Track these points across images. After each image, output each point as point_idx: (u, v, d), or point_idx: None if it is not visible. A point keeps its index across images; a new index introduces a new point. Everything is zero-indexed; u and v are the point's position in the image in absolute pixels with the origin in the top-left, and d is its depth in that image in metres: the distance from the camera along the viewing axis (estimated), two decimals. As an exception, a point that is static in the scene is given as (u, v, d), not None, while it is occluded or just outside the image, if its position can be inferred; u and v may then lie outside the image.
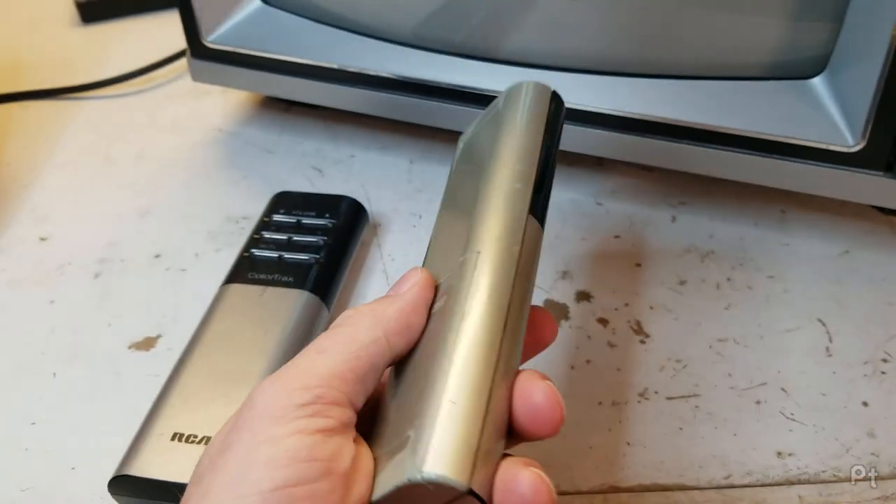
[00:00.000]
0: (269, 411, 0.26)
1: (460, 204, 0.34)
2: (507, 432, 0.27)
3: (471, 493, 0.24)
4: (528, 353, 0.31)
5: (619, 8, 0.47)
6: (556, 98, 0.36)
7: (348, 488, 0.25)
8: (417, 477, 0.24)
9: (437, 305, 0.30)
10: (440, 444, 0.24)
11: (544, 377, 0.27)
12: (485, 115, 0.38)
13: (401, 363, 0.30)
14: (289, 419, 0.25)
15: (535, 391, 0.26)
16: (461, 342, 0.27)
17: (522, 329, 0.29)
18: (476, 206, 0.31)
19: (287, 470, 0.24)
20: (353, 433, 0.27)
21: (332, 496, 0.25)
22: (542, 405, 0.26)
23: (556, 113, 0.35)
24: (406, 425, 0.26)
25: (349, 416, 0.27)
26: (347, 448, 0.26)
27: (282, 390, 0.26)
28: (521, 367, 0.29)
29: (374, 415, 0.29)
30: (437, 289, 0.31)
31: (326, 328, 0.45)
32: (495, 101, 0.37)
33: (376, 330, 0.29)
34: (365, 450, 0.27)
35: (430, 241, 0.35)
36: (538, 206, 0.31)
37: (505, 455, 0.26)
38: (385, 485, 0.25)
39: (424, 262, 0.34)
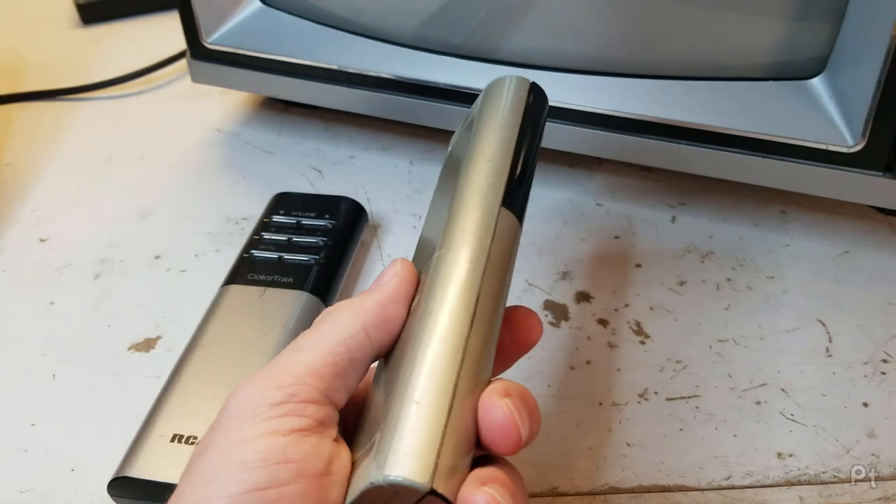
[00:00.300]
0: (242, 412, 0.26)
1: (442, 201, 0.33)
2: (475, 439, 0.26)
3: (433, 493, 0.23)
4: (514, 353, 0.31)
5: (618, 9, 0.47)
6: (535, 90, 0.35)
7: (324, 490, 0.25)
8: (380, 480, 0.23)
9: (415, 302, 0.30)
10: (401, 445, 0.24)
11: (508, 393, 0.26)
12: (470, 112, 0.37)
13: (384, 360, 0.30)
14: (261, 419, 0.25)
15: (494, 408, 0.26)
16: (424, 341, 0.26)
17: (496, 326, 0.28)
18: (451, 202, 0.31)
19: (257, 472, 0.24)
20: (332, 432, 0.27)
21: (306, 499, 0.24)
22: (500, 424, 0.26)
23: (536, 105, 0.35)
24: (375, 427, 0.26)
25: (327, 413, 0.26)
26: (323, 448, 0.26)
27: (255, 390, 0.26)
28: (503, 373, 0.29)
29: (360, 413, 0.29)
30: (418, 284, 0.30)
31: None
32: (477, 99, 0.37)
33: (354, 323, 0.28)
34: (345, 450, 0.27)
35: (419, 239, 0.35)
36: (513, 198, 0.31)
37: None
38: (354, 489, 0.25)
39: (413, 259, 0.34)
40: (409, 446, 0.24)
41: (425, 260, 0.31)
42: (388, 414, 0.25)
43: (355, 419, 0.29)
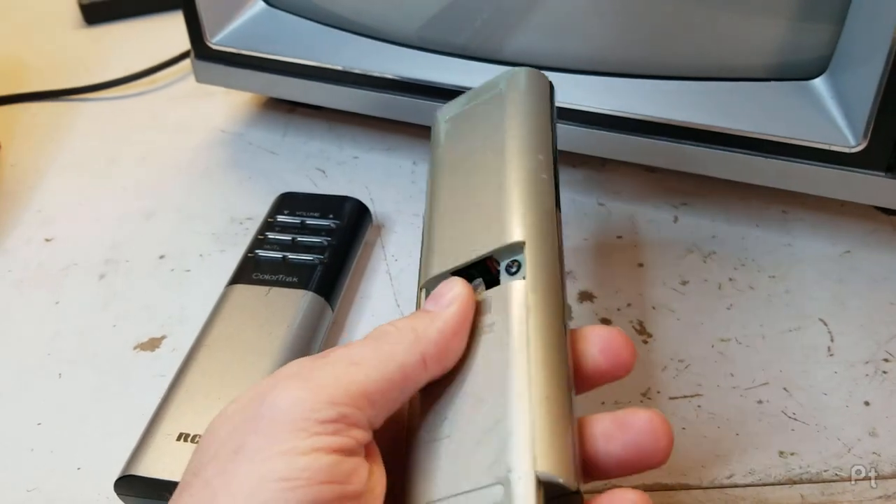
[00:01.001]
0: (289, 420, 0.24)
1: (467, 190, 0.32)
2: None
3: (577, 493, 0.24)
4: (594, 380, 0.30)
5: (621, 9, 0.47)
6: (552, 88, 0.36)
7: None
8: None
9: (485, 320, 0.28)
10: (549, 450, 0.24)
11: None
12: (475, 95, 0.36)
13: (432, 385, 0.28)
14: (309, 433, 0.24)
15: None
16: (537, 378, 0.26)
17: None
18: (501, 200, 0.30)
19: (301, 491, 0.23)
20: (372, 453, 0.26)
21: None
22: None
23: (553, 102, 0.35)
24: (481, 465, 0.25)
25: (367, 438, 0.26)
26: (363, 469, 0.25)
27: (306, 400, 0.25)
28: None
29: (393, 435, 0.29)
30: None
31: (330, 329, 0.45)
32: (490, 84, 0.36)
33: (415, 351, 0.27)
34: (378, 469, 0.26)
35: (431, 228, 0.33)
36: (559, 197, 0.31)
37: None
38: None
39: (426, 250, 0.33)
40: (553, 451, 0.24)
41: (461, 250, 0.30)
42: (507, 462, 0.24)
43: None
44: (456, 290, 0.29)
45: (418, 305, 0.32)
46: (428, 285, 0.32)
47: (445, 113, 0.38)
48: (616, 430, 0.27)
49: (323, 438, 0.24)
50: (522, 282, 0.28)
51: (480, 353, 0.28)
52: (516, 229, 0.29)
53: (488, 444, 0.25)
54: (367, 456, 0.26)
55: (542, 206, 0.30)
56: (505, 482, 0.24)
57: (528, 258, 0.28)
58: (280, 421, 0.24)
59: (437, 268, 0.32)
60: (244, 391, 0.27)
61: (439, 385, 0.28)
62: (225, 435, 0.25)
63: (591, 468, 0.27)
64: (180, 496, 0.25)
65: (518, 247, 0.29)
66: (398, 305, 0.48)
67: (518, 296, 0.28)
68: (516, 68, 0.36)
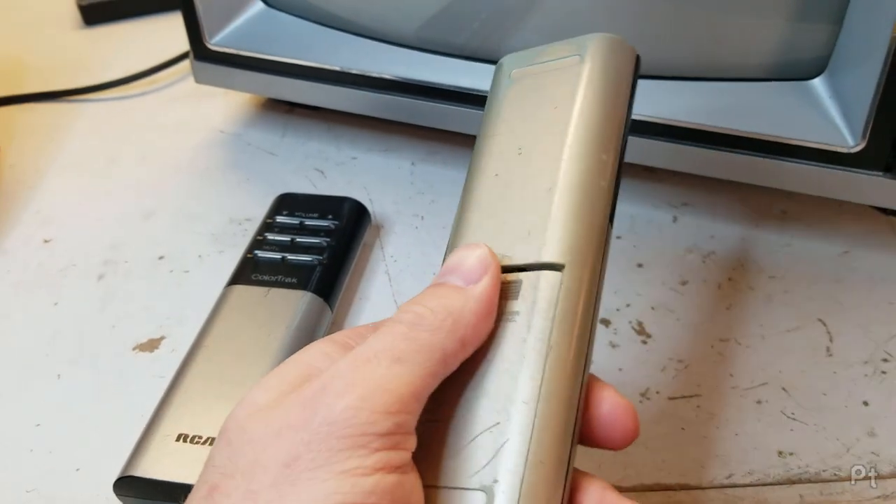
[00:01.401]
0: (348, 434, 0.23)
1: (516, 175, 0.29)
2: None
3: None
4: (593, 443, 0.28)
5: (619, 10, 0.47)
6: (638, 65, 0.31)
7: None
8: None
9: (507, 308, 0.27)
10: None
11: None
12: (551, 52, 0.32)
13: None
14: (370, 450, 0.23)
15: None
16: (548, 390, 0.24)
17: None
18: (554, 194, 0.27)
19: None
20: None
21: None
22: None
23: (635, 85, 0.31)
24: (467, 466, 0.24)
25: (416, 443, 0.24)
26: (417, 487, 0.24)
27: (362, 410, 0.23)
28: None
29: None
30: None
31: (329, 330, 0.45)
32: (571, 45, 0.32)
33: (455, 338, 0.25)
34: (418, 480, 0.24)
35: (474, 188, 0.30)
36: (615, 208, 0.28)
37: None
38: None
39: (460, 228, 0.30)
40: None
41: (503, 235, 0.28)
42: (502, 468, 0.23)
43: None
44: (483, 260, 0.27)
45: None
46: None
47: (513, 63, 0.34)
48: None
49: (384, 456, 0.23)
50: (558, 275, 0.26)
51: (496, 343, 0.26)
52: (557, 248, 0.27)
53: (483, 444, 0.24)
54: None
55: (592, 221, 0.27)
56: (488, 492, 0.23)
57: (565, 282, 0.26)
58: (339, 435, 0.23)
59: None
60: (265, 382, 0.26)
61: None
62: (267, 438, 0.23)
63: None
64: (211, 498, 0.23)
65: (556, 267, 0.27)
66: (397, 306, 0.49)
67: (549, 294, 0.26)
68: (603, 35, 0.31)
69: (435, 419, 0.26)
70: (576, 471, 0.26)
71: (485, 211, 0.30)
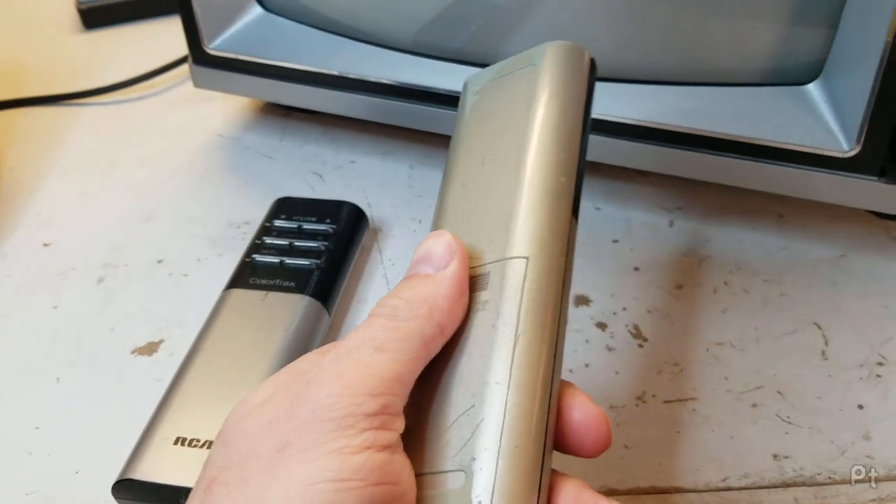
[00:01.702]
0: (335, 417, 0.23)
1: (483, 180, 0.31)
2: None
3: None
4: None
5: (615, 14, 0.47)
6: (593, 68, 0.33)
7: None
8: None
9: (477, 298, 0.28)
10: (499, 495, 0.23)
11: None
12: (509, 65, 0.34)
13: None
14: (358, 430, 0.23)
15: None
16: (519, 369, 0.25)
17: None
18: (516, 194, 0.29)
19: (356, 493, 0.22)
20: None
21: None
22: None
23: (592, 86, 0.32)
24: (447, 450, 0.25)
25: (403, 426, 0.25)
26: (407, 468, 0.24)
27: (347, 394, 0.24)
28: None
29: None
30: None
31: (327, 333, 0.45)
32: (526, 56, 0.33)
33: (432, 323, 0.26)
34: (407, 462, 0.25)
35: (445, 200, 0.32)
36: (578, 202, 0.29)
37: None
38: None
39: (439, 222, 0.31)
40: (498, 495, 0.23)
41: (474, 232, 0.29)
42: (477, 452, 0.24)
43: None
44: (449, 245, 0.28)
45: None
46: None
47: (475, 82, 0.36)
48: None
49: (372, 435, 0.23)
50: (523, 262, 0.27)
51: (468, 331, 0.27)
52: (521, 243, 0.28)
53: (460, 427, 0.25)
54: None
55: (554, 214, 0.28)
56: (467, 471, 0.24)
57: (530, 269, 0.27)
58: (325, 418, 0.23)
59: None
60: (261, 386, 0.26)
61: None
62: (260, 432, 0.24)
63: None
64: (210, 491, 0.24)
65: (522, 259, 0.28)
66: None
67: (515, 280, 0.27)
68: (556, 43, 0.33)
69: (417, 410, 0.27)
70: (552, 472, 0.26)
71: (455, 221, 0.31)
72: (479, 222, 0.30)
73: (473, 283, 0.28)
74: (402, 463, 0.24)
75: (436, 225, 0.32)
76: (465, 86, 0.36)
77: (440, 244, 0.28)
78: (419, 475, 0.25)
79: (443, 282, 0.27)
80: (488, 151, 0.32)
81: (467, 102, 0.35)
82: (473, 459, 0.24)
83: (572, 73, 0.32)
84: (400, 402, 0.25)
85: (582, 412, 0.26)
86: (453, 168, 0.33)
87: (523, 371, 0.25)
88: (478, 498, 0.23)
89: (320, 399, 0.24)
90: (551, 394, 0.26)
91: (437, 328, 0.26)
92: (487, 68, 0.35)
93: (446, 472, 0.25)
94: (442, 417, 0.26)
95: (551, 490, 0.25)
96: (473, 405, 0.25)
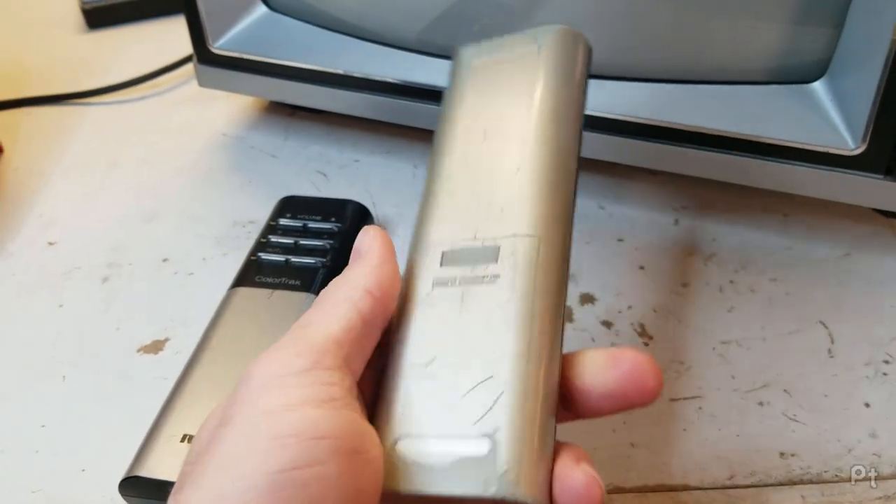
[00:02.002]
0: (267, 381, 0.24)
1: (482, 159, 0.31)
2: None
3: None
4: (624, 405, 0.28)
5: (621, 14, 0.47)
6: (590, 53, 0.34)
7: (359, 470, 0.23)
8: (503, 493, 0.23)
9: (475, 271, 0.28)
10: (522, 463, 0.24)
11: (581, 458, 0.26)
12: (507, 45, 0.35)
13: (406, 331, 0.28)
14: (290, 387, 0.24)
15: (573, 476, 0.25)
16: (540, 347, 0.26)
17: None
18: (525, 174, 0.30)
19: (292, 449, 0.22)
20: (358, 405, 0.25)
21: (341, 480, 0.22)
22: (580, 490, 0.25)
23: (588, 68, 0.34)
24: (468, 415, 0.25)
25: (351, 382, 0.25)
26: (356, 424, 0.24)
27: (278, 359, 0.25)
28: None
29: (375, 390, 0.28)
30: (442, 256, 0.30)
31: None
32: (526, 38, 0.34)
33: (356, 288, 0.28)
34: (368, 426, 0.25)
35: (440, 169, 0.32)
36: (576, 189, 0.31)
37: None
38: (441, 484, 0.24)
39: (431, 201, 0.32)
40: (530, 466, 0.24)
41: (471, 211, 0.30)
42: (497, 422, 0.25)
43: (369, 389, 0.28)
44: (371, 234, 0.30)
45: (407, 271, 0.31)
46: (419, 252, 0.31)
47: (471, 54, 0.36)
48: (609, 364, 0.27)
49: (307, 390, 0.24)
50: (535, 240, 0.28)
51: (480, 303, 0.28)
52: (531, 221, 0.29)
53: (478, 397, 0.26)
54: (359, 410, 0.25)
55: (561, 195, 0.30)
56: (493, 439, 0.24)
57: (542, 247, 0.28)
58: (258, 386, 0.24)
59: (435, 236, 0.31)
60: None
61: (427, 322, 0.28)
62: (213, 419, 0.25)
63: (581, 403, 0.27)
64: (180, 486, 0.24)
65: (530, 237, 0.29)
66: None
67: (529, 256, 0.28)
68: (556, 28, 0.34)
69: (424, 375, 0.27)
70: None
71: (454, 192, 0.32)
72: (482, 196, 0.30)
73: (476, 254, 0.29)
74: (348, 418, 0.24)
75: (430, 195, 0.32)
76: (459, 56, 0.37)
77: (363, 237, 0.30)
78: (428, 437, 0.26)
79: (362, 258, 0.29)
80: (490, 126, 0.32)
81: (463, 74, 0.36)
82: (498, 429, 0.25)
83: (574, 59, 0.33)
84: (335, 357, 0.25)
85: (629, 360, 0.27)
86: (449, 140, 0.34)
87: (543, 345, 0.26)
88: (505, 465, 0.24)
89: (255, 373, 0.25)
90: (560, 365, 0.27)
91: (362, 291, 0.27)
92: (485, 42, 0.36)
93: (469, 437, 0.25)
94: (457, 386, 0.26)
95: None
96: (492, 376, 0.26)
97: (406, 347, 0.28)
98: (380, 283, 0.28)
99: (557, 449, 0.26)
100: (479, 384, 0.26)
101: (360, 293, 0.27)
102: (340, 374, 0.25)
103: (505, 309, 0.27)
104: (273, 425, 0.23)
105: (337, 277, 0.29)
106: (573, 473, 0.25)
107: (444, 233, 0.31)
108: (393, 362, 0.28)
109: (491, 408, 0.25)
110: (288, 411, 0.23)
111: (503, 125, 0.32)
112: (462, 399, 0.26)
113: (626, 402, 0.26)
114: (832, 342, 0.45)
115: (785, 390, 0.43)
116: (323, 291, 0.29)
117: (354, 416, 0.24)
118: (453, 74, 0.36)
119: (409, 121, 0.55)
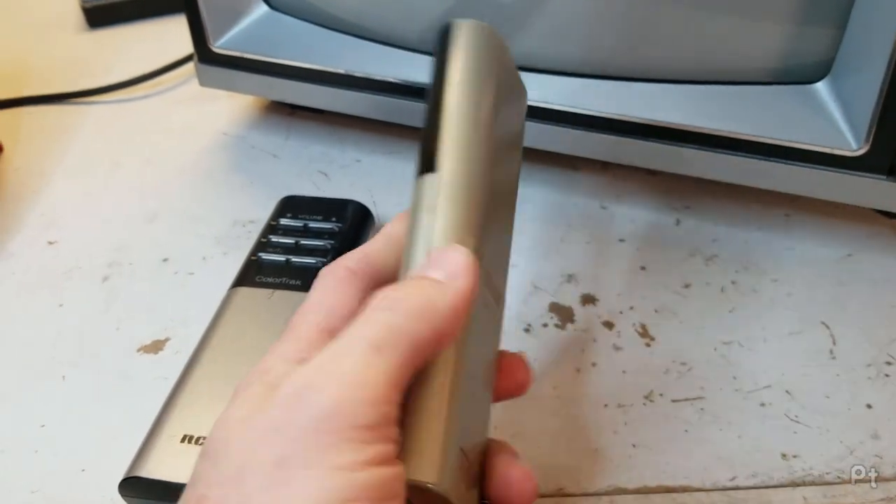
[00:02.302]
0: (336, 428, 0.22)
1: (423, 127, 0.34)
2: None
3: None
4: (503, 395, 0.31)
5: (622, 13, 0.47)
6: (495, 37, 0.37)
7: None
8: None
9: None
10: (424, 450, 0.25)
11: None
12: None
13: None
14: (360, 443, 0.22)
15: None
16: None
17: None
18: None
19: None
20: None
21: None
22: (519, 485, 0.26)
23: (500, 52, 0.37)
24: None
25: (399, 435, 0.24)
26: (403, 478, 0.23)
27: (346, 402, 0.23)
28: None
29: None
30: None
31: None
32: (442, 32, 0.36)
33: (430, 326, 0.25)
34: (403, 472, 0.24)
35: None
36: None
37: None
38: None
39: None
40: (427, 451, 0.25)
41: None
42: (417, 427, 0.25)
43: None
44: (466, 258, 0.27)
45: (414, 195, 0.32)
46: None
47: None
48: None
49: (375, 448, 0.22)
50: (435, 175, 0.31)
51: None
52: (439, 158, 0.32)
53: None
54: None
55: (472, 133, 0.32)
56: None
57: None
58: (325, 430, 0.22)
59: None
60: (245, 391, 0.25)
61: None
62: (252, 445, 0.23)
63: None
64: None
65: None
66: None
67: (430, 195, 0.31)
68: (456, 22, 0.36)
69: None
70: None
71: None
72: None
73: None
74: (401, 475, 0.23)
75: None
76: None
77: (456, 255, 0.27)
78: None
79: (450, 290, 0.26)
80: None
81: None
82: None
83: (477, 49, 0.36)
84: (396, 409, 0.24)
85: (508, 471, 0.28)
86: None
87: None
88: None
89: (322, 408, 0.22)
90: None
91: (432, 332, 0.25)
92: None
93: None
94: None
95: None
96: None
97: None
98: (451, 331, 0.26)
99: (494, 446, 0.27)
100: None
101: (429, 334, 0.25)
102: (397, 429, 0.24)
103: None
104: (345, 485, 0.22)
105: (414, 280, 0.27)
106: (509, 470, 0.26)
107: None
108: None
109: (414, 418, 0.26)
110: (359, 470, 0.22)
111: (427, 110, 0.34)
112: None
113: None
114: (834, 343, 0.45)
115: (787, 391, 0.43)
116: (394, 297, 0.26)
117: (403, 472, 0.24)
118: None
119: (410, 120, 0.55)
